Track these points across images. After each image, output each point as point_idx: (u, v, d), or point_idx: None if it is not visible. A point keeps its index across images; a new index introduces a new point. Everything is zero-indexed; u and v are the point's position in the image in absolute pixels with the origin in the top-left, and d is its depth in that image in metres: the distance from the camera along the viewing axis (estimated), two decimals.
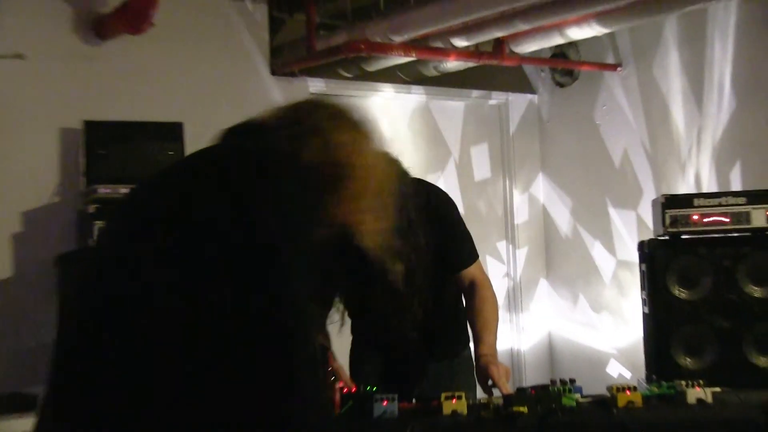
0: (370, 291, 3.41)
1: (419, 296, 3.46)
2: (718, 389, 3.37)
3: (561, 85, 7.14)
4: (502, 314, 3.81)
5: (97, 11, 5.28)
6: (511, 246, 7.27)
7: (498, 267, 7.15)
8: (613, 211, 6.82)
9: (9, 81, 5.02)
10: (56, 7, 5.19)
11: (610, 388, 3.30)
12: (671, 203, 4.91)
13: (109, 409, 1.74)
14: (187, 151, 4.99)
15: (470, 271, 3.66)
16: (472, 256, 3.68)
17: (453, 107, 7.11)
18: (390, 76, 6.52)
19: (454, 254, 3.62)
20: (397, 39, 5.59)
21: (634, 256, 5.16)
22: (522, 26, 5.61)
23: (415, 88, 6.77)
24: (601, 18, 5.62)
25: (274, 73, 6.03)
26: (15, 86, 5.04)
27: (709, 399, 3.28)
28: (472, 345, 3.73)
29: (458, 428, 3.09)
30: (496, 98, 7.26)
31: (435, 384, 3.60)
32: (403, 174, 3.39)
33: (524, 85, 7.36)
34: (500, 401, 3.23)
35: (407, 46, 5.77)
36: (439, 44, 5.88)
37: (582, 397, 3.28)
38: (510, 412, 3.13)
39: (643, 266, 4.92)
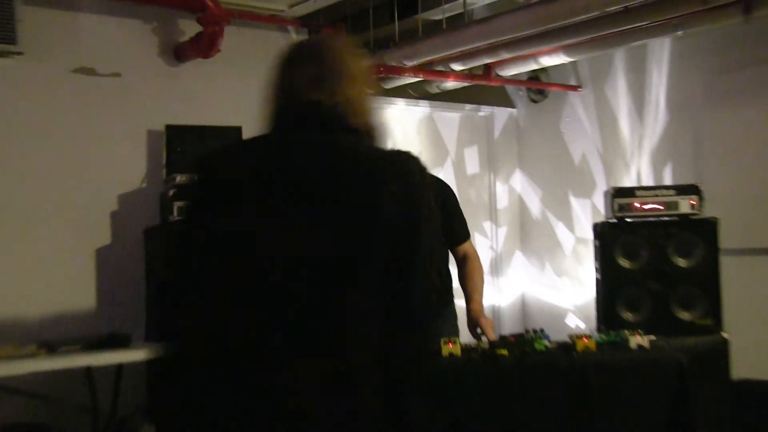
0: None
1: (437, 266, 3.48)
2: (653, 337, 3.42)
3: (534, 101, 7.14)
4: (487, 279, 3.83)
5: (177, 40, 5.29)
6: (494, 225, 7.27)
7: (484, 242, 7.16)
8: (573, 199, 6.82)
9: (109, 94, 5.04)
10: (145, 37, 5.20)
11: (571, 336, 3.34)
12: (618, 194, 4.92)
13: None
14: None
15: (464, 246, 3.68)
16: (466, 235, 3.71)
17: (451, 117, 7.11)
18: (402, 92, 6.52)
19: (453, 233, 3.65)
20: (409, 63, 5.61)
21: (589, 234, 5.19)
22: (505, 55, 5.62)
23: (421, 102, 6.77)
24: (566, 49, 5.64)
25: None
26: (113, 98, 5.06)
27: (647, 345, 3.32)
28: (456, 301, 3.75)
29: (454, 366, 3.12)
30: (484, 111, 7.25)
31: None
32: (424, 168, 3.42)
33: (506, 101, 7.35)
34: (486, 346, 3.27)
35: (416, 69, 5.79)
36: (441, 68, 5.89)
37: (549, 342, 3.31)
38: (494, 354, 3.17)
39: (596, 242, 4.92)
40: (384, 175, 1.84)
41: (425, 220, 1.89)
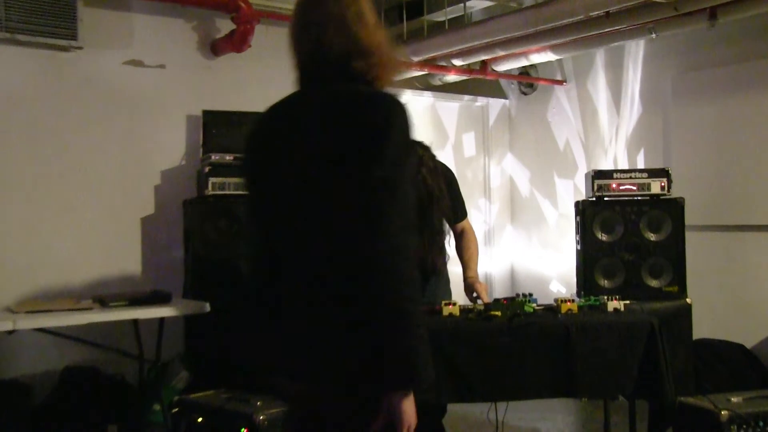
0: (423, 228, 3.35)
1: (441, 236, 3.46)
2: (627, 302, 3.41)
3: (525, 93, 7.10)
4: (480, 249, 3.81)
5: (213, 36, 5.27)
6: (487, 202, 7.26)
7: (478, 216, 7.15)
8: (557, 180, 6.81)
9: (154, 83, 5.04)
10: (186, 33, 5.19)
11: (556, 300, 3.33)
12: (598, 175, 4.92)
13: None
14: None
15: (462, 223, 3.66)
16: (465, 213, 3.68)
17: (451, 107, 7.08)
18: (409, 84, 6.49)
19: (455, 212, 3.61)
20: (415, 59, 5.58)
21: (571, 211, 5.17)
22: (500, 52, 5.59)
23: (425, 92, 6.73)
24: (553, 48, 5.60)
25: None
26: (158, 86, 5.05)
27: (622, 308, 3.31)
28: (452, 269, 3.70)
29: (454, 325, 3.11)
30: (481, 101, 7.22)
31: (425, 293, 3.55)
32: (427, 147, 3.43)
33: (500, 93, 7.32)
34: (482, 307, 3.26)
35: (421, 64, 5.76)
36: (443, 63, 5.86)
37: (537, 305, 3.31)
38: (489, 314, 3.17)
39: (577, 218, 4.93)
40: (346, 111, 1.88)
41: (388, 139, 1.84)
